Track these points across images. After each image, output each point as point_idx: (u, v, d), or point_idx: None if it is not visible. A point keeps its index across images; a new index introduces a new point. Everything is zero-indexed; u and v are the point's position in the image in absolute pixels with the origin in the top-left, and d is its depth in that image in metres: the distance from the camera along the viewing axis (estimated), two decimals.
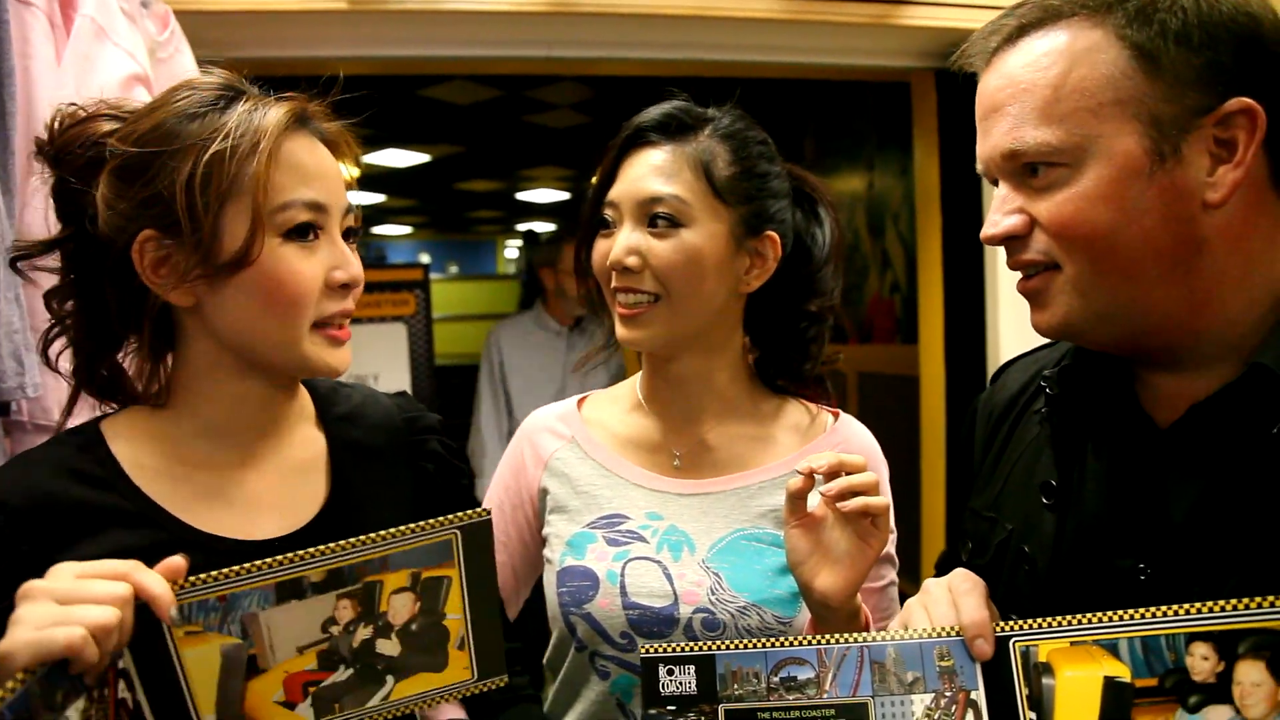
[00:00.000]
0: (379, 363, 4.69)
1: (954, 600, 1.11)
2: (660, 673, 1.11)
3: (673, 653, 1.12)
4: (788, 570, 1.33)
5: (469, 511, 1.12)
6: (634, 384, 1.63)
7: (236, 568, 1.02)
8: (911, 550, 3.26)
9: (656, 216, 1.43)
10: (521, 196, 13.48)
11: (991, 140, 1.08)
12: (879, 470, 1.54)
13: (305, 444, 1.30)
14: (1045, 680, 1.02)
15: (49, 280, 1.24)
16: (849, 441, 1.56)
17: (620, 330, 1.48)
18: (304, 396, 1.33)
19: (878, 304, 5.15)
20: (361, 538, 1.06)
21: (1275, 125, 1.00)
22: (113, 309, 1.20)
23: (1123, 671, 0.98)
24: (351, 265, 1.22)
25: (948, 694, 1.06)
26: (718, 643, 1.12)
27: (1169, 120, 1.00)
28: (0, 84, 1.65)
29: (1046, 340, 1.27)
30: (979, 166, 1.12)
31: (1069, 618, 1.02)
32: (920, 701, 1.06)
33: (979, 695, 1.05)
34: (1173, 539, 1.03)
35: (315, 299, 1.18)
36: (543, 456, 1.59)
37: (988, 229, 1.10)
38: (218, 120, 1.14)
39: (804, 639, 1.12)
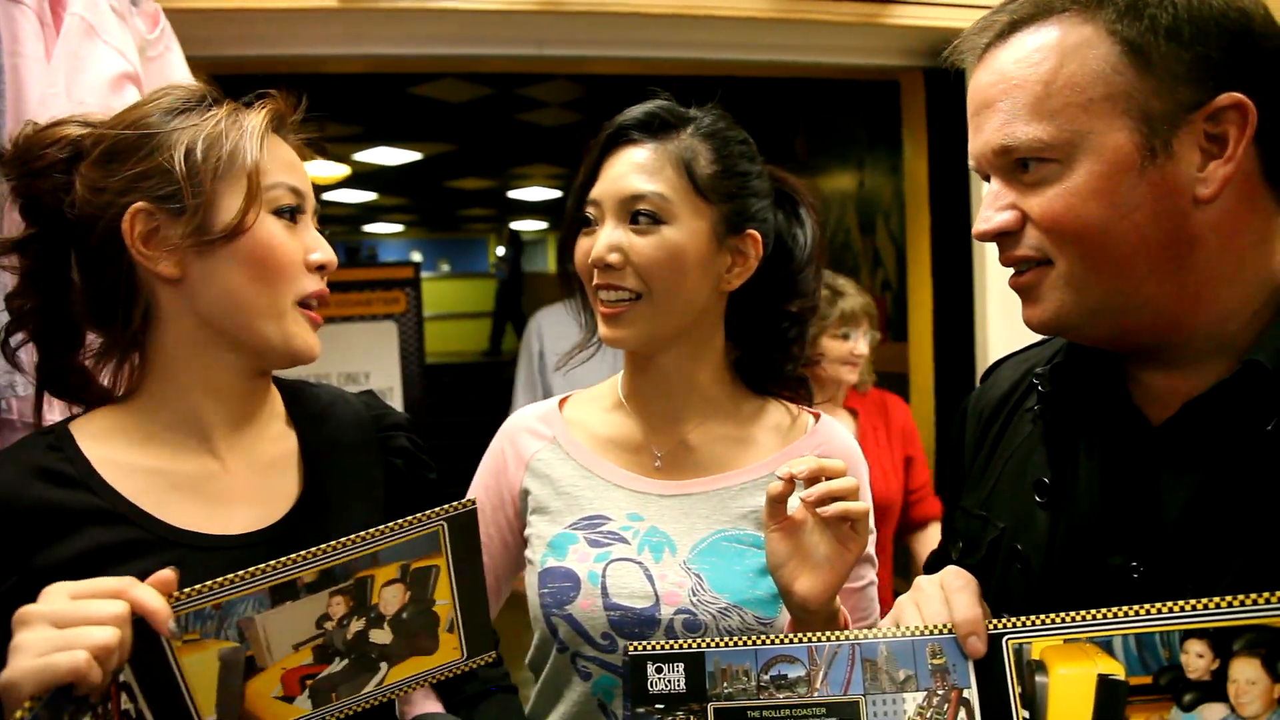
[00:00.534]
0: (370, 361, 4.69)
1: (946, 597, 1.10)
2: (649, 671, 1.11)
3: (662, 650, 1.11)
4: (769, 571, 1.33)
5: (455, 503, 1.15)
6: (615, 383, 1.64)
7: (231, 575, 1.03)
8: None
9: (638, 214, 1.44)
10: (513, 194, 13.49)
11: (983, 136, 1.08)
12: (858, 472, 1.54)
13: (277, 440, 1.32)
14: (1039, 678, 1.01)
15: None
16: (829, 443, 1.56)
17: (603, 329, 1.49)
18: (274, 395, 1.35)
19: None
20: (352, 536, 1.09)
21: (1268, 120, 1.00)
22: (86, 300, 1.22)
23: (1117, 669, 0.98)
24: (327, 248, 1.28)
25: (940, 692, 1.05)
26: (707, 640, 1.11)
27: (1160, 115, 0.99)
28: None
29: (1037, 338, 1.27)
30: (971, 162, 1.12)
31: (1063, 615, 1.02)
32: (912, 700, 1.06)
33: (972, 693, 1.04)
34: (1166, 537, 1.03)
35: (298, 272, 1.23)
36: (524, 457, 1.59)
37: (979, 225, 1.10)
38: (205, 113, 1.21)
39: (795, 636, 1.11)
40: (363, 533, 1.09)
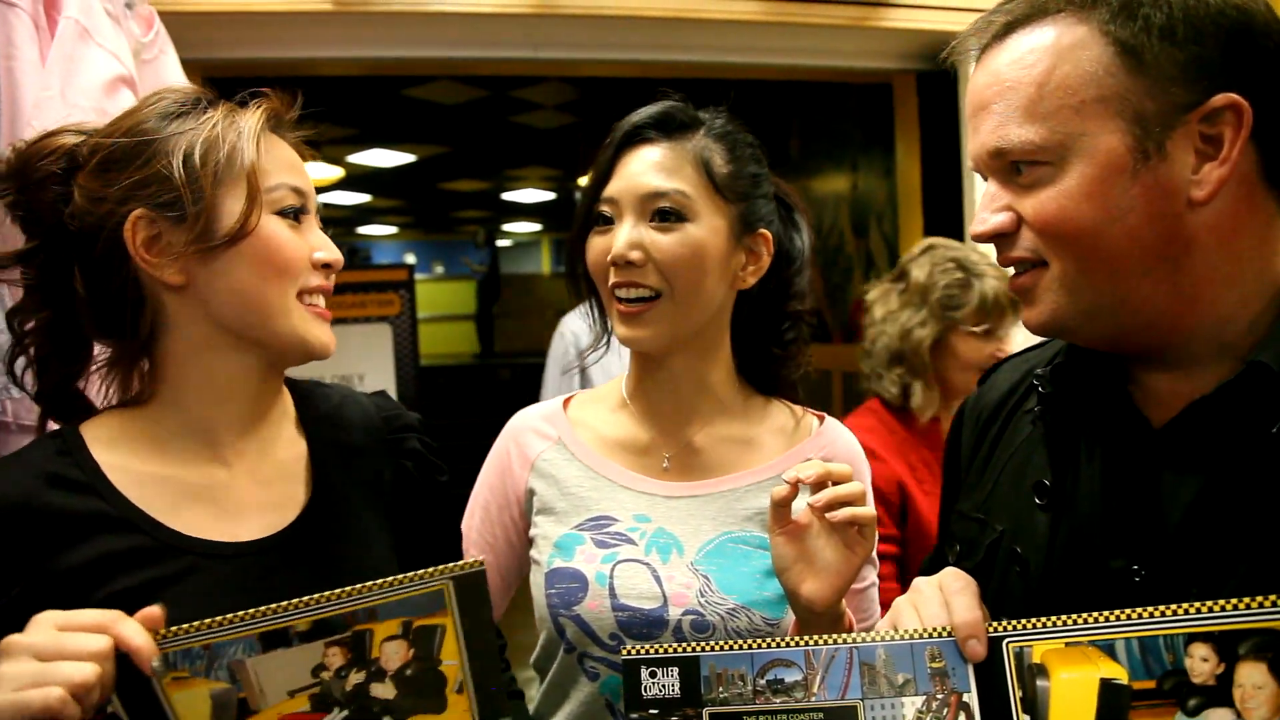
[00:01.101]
0: (364, 363, 4.69)
1: (945, 599, 1.10)
2: (643, 675, 1.09)
3: (656, 654, 1.10)
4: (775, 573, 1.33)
5: (461, 562, 1.09)
6: (619, 383, 1.63)
7: (219, 618, 1.01)
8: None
9: (660, 211, 1.44)
10: (507, 197, 13.48)
11: (979, 138, 1.08)
12: (862, 474, 1.55)
13: (286, 445, 1.31)
14: (1040, 682, 1.00)
15: None
16: (834, 445, 1.57)
17: (621, 329, 1.48)
18: (285, 398, 1.34)
19: (862, 304, 5.15)
20: (348, 589, 1.05)
21: (1269, 120, 1.00)
22: (91, 312, 1.20)
23: (1120, 673, 0.97)
24: (333, 247, 1.28)
25: (939, 696, 1.04)
26: (702, 644, 1.10)
27: (1153, 117, 0.99)
28: None
29: (1027, 341, 1.27)
30: (969, 163, 1.13)
31: (1064, 618, 1.01)
32: (911, 704, 1.05)
33: (971, 698, 1.04)
34: (1168, 540, 1.03)
35: (304, 269, 1.22)
36: (529, 457, 1.59)
37: (976, 226, 1.10)
38: (201, 116, 1.20)
39: (791, 640, 1.10)
40: (361, 585, 1.06)
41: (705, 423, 1.55)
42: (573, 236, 1.56)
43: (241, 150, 1.18)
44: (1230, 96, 0.98)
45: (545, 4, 3.05)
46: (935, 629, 1.07)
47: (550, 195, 13.19)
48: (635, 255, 1.43)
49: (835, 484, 1.26)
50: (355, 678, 1.07)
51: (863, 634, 1.09)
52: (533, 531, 1.56)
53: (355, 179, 11.00)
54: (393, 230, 17.62)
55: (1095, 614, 0.99)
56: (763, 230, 1.51)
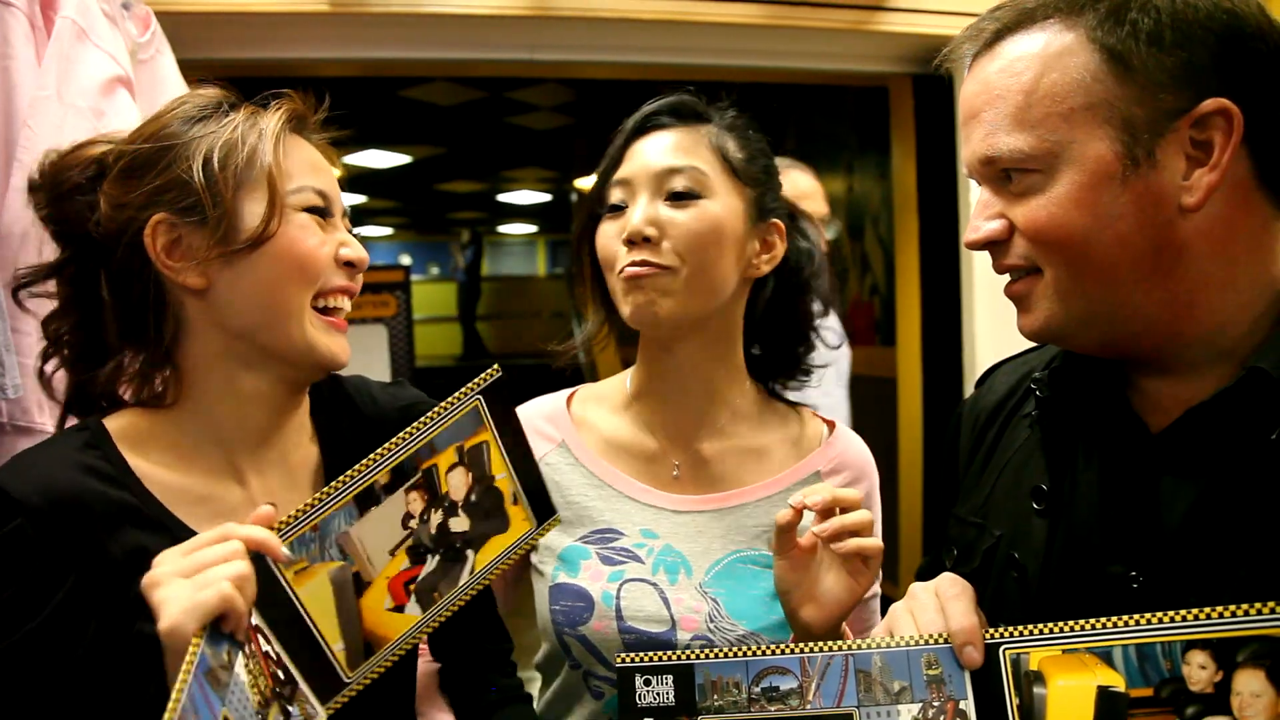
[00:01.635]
0: (359, 364, 4.64)
1: (941, 605, 1.09)
2: (637, 683, 1.08)
3: (650, 662, 1.09)
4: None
5: (483, 375, 1.20)
6: (624, 380, 1.60)
7: (316, 495, 1.08)
8: (889, 553, 3.26)
9: (676, 190, 1.41)
10: (503, 198, 13.49)
11: (970, 146, 1.08)
12: (871, 483, 1.54)
13: (300, 451, 1.31)
14: (1037, 689, 1.00)
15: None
16: (844, 454, 1.55)
17: (628, 304, 1.42)
18: (303, 404, 1.33)
19: (858, 306, 5.17)
20: (404, 432, 1.14)
21: (1261, 124, 0.99)
22: (114, 319, 1.21)
23: (1117, 681, 0.96)
24: (358, 246, 1.27)
25: (936, 704, 1.04)
26: (697, 651, 1.09)
27: (1142, 123, 0.99)
28: None
29: (1024, 342, 1.27)
30: (964, 170, 1.13)
31: (1061, 624, 1.00)
32: (907, 712, 1.04)
33: (968, 705, 1.03)
34: (1166, 545, 1.03)
35: (326, 267, 1.22)
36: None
37: (970, 234, 1.10)
38: (223, 119, 1.20)
39: (786, 647, 1.09)
40: (411, 426, 1.14)
41: (714, 428, 1.52)
42: (579, 230, 1.54)
43: (262, 153, 1.18)
44: (1220, 101, 0.98)
45: (542, 6, 3.05)
46: (931, 635, 1.06)
47: (546, 197, 13.20)
48: (651, 231, 1.39)
49: (844, 511, 1.24)
50: (435, 518, 1.18)
51: (858, 641, 1.08)
52: None
53: (351, 180, 11.00)
54: (388, 231, 17.61)
55: (1093, 620, 0.99)
56: (776, 220, 1.49)
